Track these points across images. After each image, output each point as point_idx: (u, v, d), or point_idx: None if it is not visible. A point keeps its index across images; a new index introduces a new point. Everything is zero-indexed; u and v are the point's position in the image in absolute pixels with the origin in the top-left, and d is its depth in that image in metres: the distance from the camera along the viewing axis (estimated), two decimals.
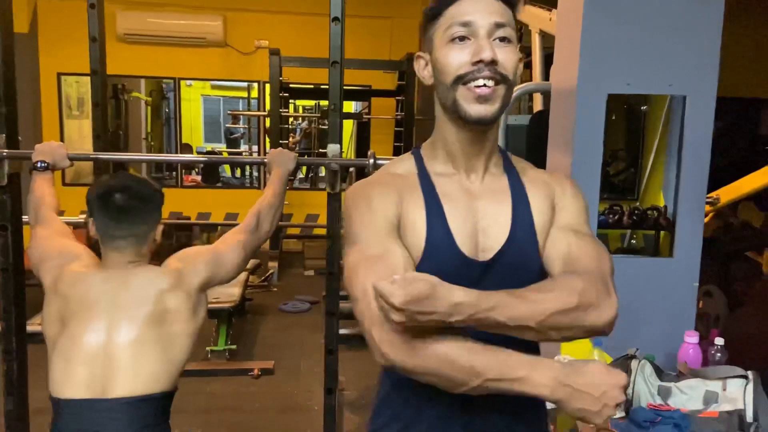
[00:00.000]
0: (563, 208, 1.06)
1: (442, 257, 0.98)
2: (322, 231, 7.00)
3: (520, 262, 1.01)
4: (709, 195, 3.35)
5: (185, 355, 1.50)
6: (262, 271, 5.60)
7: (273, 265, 5.84)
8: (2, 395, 2.30)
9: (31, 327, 2.53)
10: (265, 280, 5.65)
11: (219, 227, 7.29)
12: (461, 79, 0.95)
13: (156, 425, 1.42)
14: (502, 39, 0.96)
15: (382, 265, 0.92)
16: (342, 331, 4.03)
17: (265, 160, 2.05)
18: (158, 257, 1.70)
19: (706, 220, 3.66)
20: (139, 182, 1.56)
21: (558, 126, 2.26)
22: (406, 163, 1.07)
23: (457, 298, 0.82)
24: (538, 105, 3.28)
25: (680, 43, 2.09)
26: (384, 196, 0.99)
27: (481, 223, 1.02)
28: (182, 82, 7.53)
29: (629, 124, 2.20)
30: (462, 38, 0.95)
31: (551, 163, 2.24)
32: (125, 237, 1.49)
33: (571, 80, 2.12)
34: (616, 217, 2.37)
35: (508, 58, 0.95)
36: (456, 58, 0.95)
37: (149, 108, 9.04)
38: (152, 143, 9.10)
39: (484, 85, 0.94)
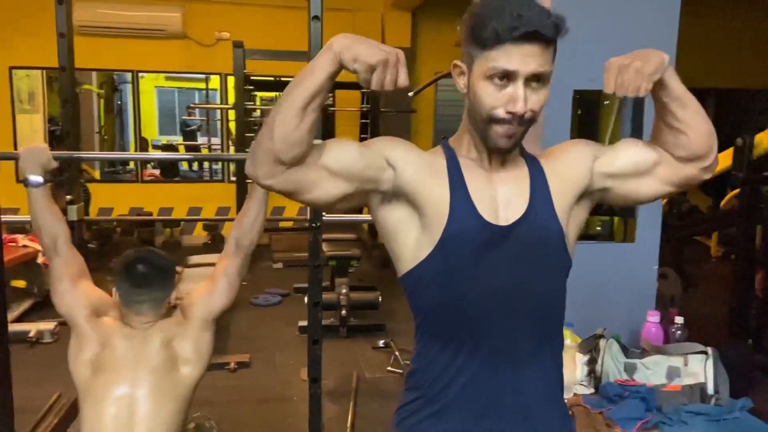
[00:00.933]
0: (597, 160, 1.18)
1: (464, 221, 1.07)
2: (289, 224, 7.03)
3: (538, 234, 1.10)
4: None
5: (193, 391, 1.75)
6: None
7: None
8: None
9: (13, 327, 2.53)
10: None
11: (182, 222, 7.23)
12: (494, 120, 1.04)
13: None
14: (538, 80, 1.03)
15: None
16: None
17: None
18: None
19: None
20: (157, 255, 1.82)
21: None
22: (436, 150, 1.17)
23: None
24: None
25: (639, 38, 2.19)
26: (409, 150, 1.11)
27: (501, 196, 1.10)
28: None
29: (589, 117, 2.33)
30: (501, 78, 1.02)
31: None
32: (145, 302, 1.73)
33: None
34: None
35: (537, 100, 1.04)
36: (491, 99, 1.03)
37: (101, 101, 8.81)
38: (105, 137, 8.88)
39: (511, 127, 1.04)
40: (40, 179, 1.80)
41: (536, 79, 1.02)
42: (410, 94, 3.52)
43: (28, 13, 5.90)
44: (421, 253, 1.08)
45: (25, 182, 1.80)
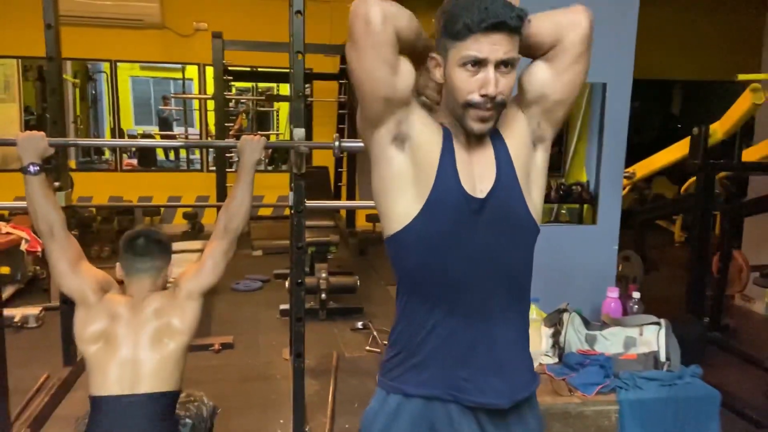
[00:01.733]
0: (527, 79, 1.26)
1: (447, 191, 1.18)
2: (268, 211, 7.12)
3: (506, 203, 1.22)
4: (626, 170, 3.75)
5: (185, 359, 1.90)
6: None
7: None
8: None
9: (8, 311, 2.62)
10: None
11: (162, 209, 7.27)
12: (470, 105, 1.15)
13: (170, 414, 1.84)
14: (506, 66, 1.14)
15: None
16: None
17: (236, 146, 2.18)
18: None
19: (624, 192, 4.07)
20: (155, 232, 2.01)
21: None
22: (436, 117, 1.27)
23: None
24: None
25: (600, 34, 2.33)
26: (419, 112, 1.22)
27: (477, 170, 1.22)
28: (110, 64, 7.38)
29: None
30: (473, 64, 1.13)
31: None
32: (145, 270, 1.91)
33: None
34: (545, 193, 2.64)
35: (507, 86, 1.15)
36: (466, 84, 1.14)
37: (77, 90, 8.76)
38: (81, 127, 8.84)
39: (486, 110, 1.15)
40: (38, 167, 1.91)
41: (505, 64, 1.14)
42: None
43: (4, 2, 5.87)
44: (407, 218, 1.21)
45: (24, 170, 1.91)
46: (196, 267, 1.97)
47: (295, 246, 2.43)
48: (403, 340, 1.26)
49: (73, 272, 1.88)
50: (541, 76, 1.25)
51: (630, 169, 3.64)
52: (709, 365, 3.20)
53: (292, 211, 2.40)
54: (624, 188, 4.00)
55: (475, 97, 1.14)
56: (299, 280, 2.44)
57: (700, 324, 2.99)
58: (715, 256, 3.68)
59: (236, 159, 6.23)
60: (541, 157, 1.30)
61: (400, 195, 1.21)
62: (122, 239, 1.96)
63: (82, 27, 6.55)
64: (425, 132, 1.21)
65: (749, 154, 3.55)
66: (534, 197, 1.28)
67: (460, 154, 1.22)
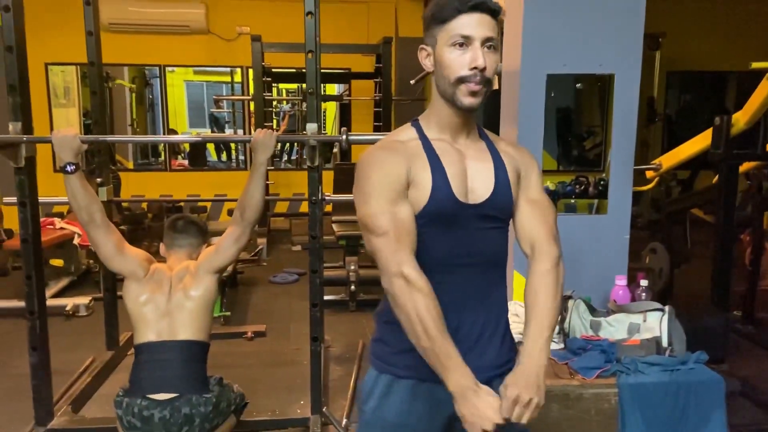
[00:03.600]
0: (529, 182, 1.40)
1: (442, 201, 1.29)
2: (307, 208, 7.29)
3: (500, 209, 1.35)
4: (652, 162, 3.71)
5: (211, 315, 2.27)
6: (252, 246, 5.92)
7: (262, 241, 6.14)
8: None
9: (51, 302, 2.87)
10: (255, 255, 5.96)
11: (209, 206, 7.57)
12: (461, 80, 1.26)
13: (202, 360, 2.18)
14: (490, 47, 1.26)
15: (392, 216, 1.25)
16: (328, 297, 4.39)
17: (251, 141, 2.32)
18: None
19: (652, 185, 4.02)
20: (193, 217, 2.46)
21: (506, 103, 2.52)
22: (409, 132, 1.38)
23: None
24: (495, 85, 3.56)
25: (609, 25, 2.33)
26: (395, 162, 1.30)
27: (471, 175, 1.33)
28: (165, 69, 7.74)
29: (561, 99, 2.46)
30: (461, 44, 1.25)
31: (502, 134, 2.52)
32: (183, 246, 2.31)
33: (515, 63, 2.38)
34: (582, 188, 2.60)
35: (492, 63, 1.26)
36: (457, 62, 1.26)
37: (133, 95, 9.21)
38: (137, 129, 9.28)
39: (475, 84, 1.26)
40: (74, 166, 2.17)
41: (489, 42, 1.26)
42: (412, 82, 3.72)
43: (62, 11, 6.23)
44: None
45: (63, 170, 2.16)
46: (215, 247, 2.25)
47: (311, 235, 2.55)
48: (392, 319, 1.29)
49: (120, 254, 2.19)
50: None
51: (656, 161, 3.60)
52: (740, 358, 3.15)
53: (309, 201, 2.53)
54: (651, 180, 3.97)
55: (466, 71, 1.25)
56: (315, 269, 2.56)
57: (724, 316, 2.94)
58: (748, 247, 3.60)
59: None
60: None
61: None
62: (167, 222, 2.38)
63: (134, 34, 6.92)
64: (408, 170, 1.31)
65: None
66: (517, 217, 1.42)
67: (449, 159, 1.32)
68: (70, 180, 2.15)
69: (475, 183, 1.33)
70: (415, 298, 1.19)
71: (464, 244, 1.32)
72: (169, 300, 2.16)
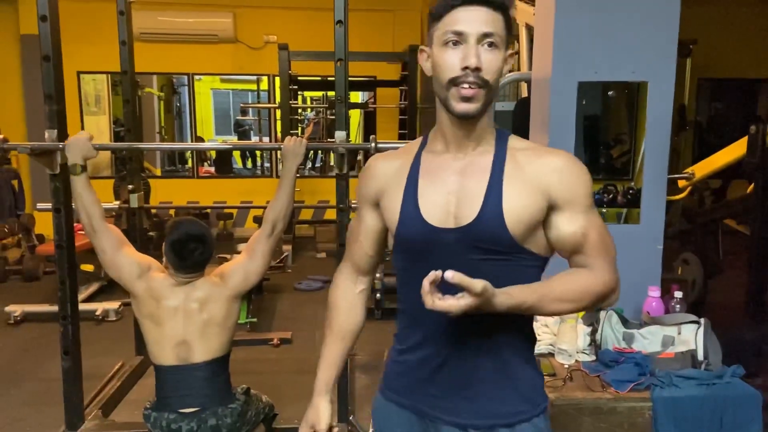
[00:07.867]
0: (567, 199, 1.14)
1: (410, 227, 1.17)
2: (333, 215, 7.33)
3: (487, 237, 1.12)
4: (685, 171, 3.64)
5: (234, 329, 2.19)
6: (277, 254, 5.96)
7: (287, 248, 6.17)
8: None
9: (82, 306, 2.90)
10: (280, 262, 6.00)
11: (235, 213, 7.64)
12: (452, 82, 1.10)
13: (224, 371, 2.15)
14: (490, 44, 1.09)
15: (356, 225, 1.34)
16: None
17: (281, 149, 2.32)
18: None
19: (684, 194, 3.94)
20: (194, 231, 2.14)
21: (537, 111, 2.50)
22: (413, 146, 1.27)
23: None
24: (524, 92, 3.53)
25: (642, 32, 2.30)
26: (367, 185, 1.28)
27: (457, 195, 1.14)
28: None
29: (593, 107, 2.42)
30: (455, 42, 1.10)
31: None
32: (195, 269, 2.12)
33: (546, 70, 2.36)
34: (611, 197, 2.53)
35: (491, 63, 1.09)
36: (448, 61, 1.10)
37: (162, 103, 9.36)
38: (165, 136, 9.43)
39: (469, 87, 1.09)
40: (81, 167, 2.18)
41: (488, 39, 1.09)
42: None
43: (93, 21, 6.35)
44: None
45: (69, 169, 2.18)
46: (245, 259, 2.17)
47: (338, 242, 2.55)
48: (396, 344, 1.29)
49: (114, 261, 2.12)
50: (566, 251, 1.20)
51: (689, 170, 3.54)
52: None
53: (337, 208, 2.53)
54: (684, 189, 3.90)
55: (457, 72, 1.09)
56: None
57: (759, 329, 2.87)
58: None
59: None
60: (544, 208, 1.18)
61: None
62: (165, 240, 2.19)
63: (164, 43, 7.03)
64: (381, 188, 1.26)
65: None
66: (523, 232, 1.15)
67: (432, 177, 1.18)
68: (75, 182, 2.17)
69: (462, 205, 1.14)
70: (329, 304, 1.41)
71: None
72: (187, 322, 2.07)
